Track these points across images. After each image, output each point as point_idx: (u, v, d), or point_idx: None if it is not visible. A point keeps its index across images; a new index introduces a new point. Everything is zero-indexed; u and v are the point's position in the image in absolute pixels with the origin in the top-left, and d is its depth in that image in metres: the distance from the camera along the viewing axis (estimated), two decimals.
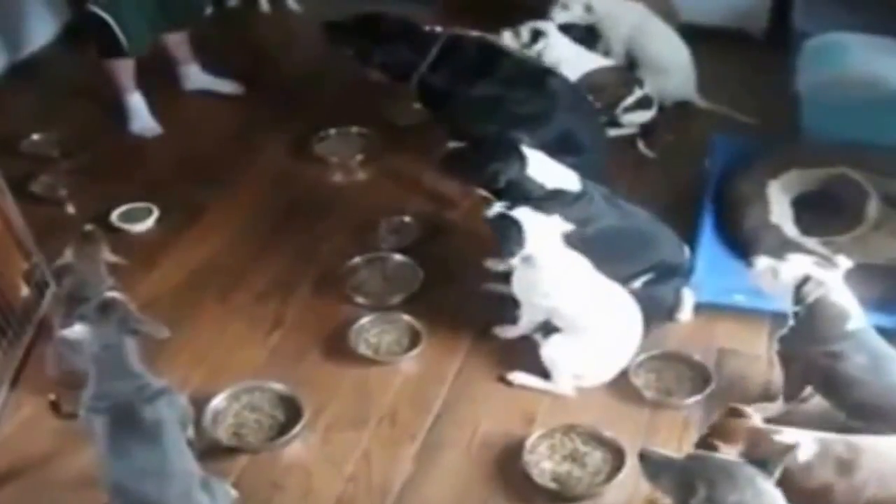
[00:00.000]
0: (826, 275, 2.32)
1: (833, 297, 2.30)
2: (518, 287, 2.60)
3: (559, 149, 2.86)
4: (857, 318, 2.31)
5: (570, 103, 3.19)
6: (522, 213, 2.50)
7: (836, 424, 2.34)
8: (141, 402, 2.06)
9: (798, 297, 2.32)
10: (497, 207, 2.55)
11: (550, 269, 2.51)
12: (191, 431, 2.23)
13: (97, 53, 3.60)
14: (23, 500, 2.32)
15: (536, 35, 3.48)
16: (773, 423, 2.37)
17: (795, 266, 2.35)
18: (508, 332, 2.71)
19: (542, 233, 2.49)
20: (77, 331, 2.10)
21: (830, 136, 3.16)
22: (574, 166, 2.75)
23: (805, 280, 2.30)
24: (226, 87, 3.98)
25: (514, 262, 2.52)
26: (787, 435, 1.98)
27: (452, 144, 3.03)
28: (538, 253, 2.49)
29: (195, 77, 3.97)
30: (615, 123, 3.50)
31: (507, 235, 2.48)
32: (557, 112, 3.12)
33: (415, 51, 3.26)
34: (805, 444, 1.97)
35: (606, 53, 3.76)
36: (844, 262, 2.35)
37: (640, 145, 3.53)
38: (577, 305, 2.53)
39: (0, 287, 2.60)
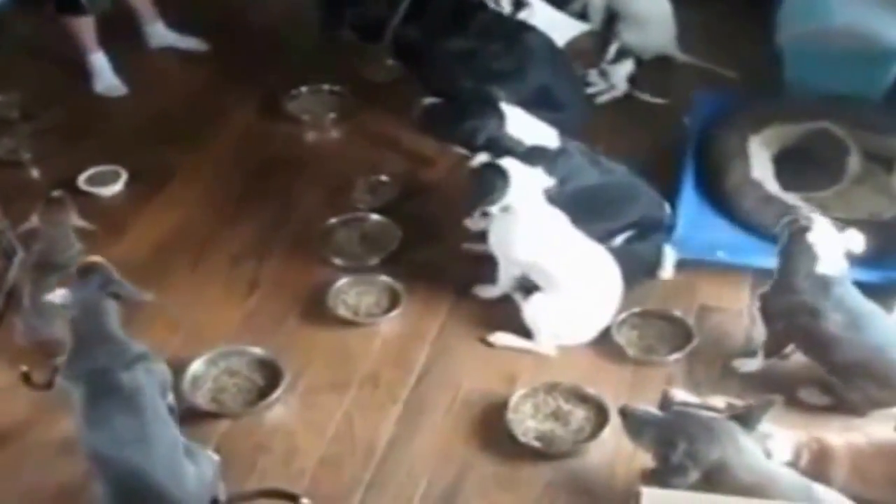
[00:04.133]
0: (815, 217, 2.30)
1: (811, 237, 2.28)
2: (495, 240, 2.57)
3: (538, 104, 2.82)
4: (830, 264, 2.28)
5: (545, 59, 3.16)
6: (509, 163, 2.46)
7: (816, 378, 2.37)
8: (118, 369, 2.01)
9: (780, 236, 2.31)
10: (483, 156, 2.51)
11: (528, 221, 2.48)
12: (171, 398, 2.18)
13: (56, 11, 3.47)
14: (1, 469, 2.28)
15: (519, 4, 3.41)
16: (754, 380, 2.41)
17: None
18: (488, 291, 2.69)
19: (526, 184, 2.46)
20: (59, 295, 2.05)
21: (813, 90, 3.14)
22: (553, 122, 2.71)
23: (791, 221, 2.30)
24: (191, 43, 3.86)
25: (493, 211, 2.47)
26: None
27: (427, 100, 2.97)
28: (518, 203, 2.45)
29: (160, 34, 3.85)
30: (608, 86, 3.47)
31: (491, 184, 2.44)
32: (533, 67, 3.08)
33: (386, 5, 3.18)
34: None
35: (584, 7, 3.69)
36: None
37: (641, 95, 3.47)
38: (555, 261, 2.51)
39: None
